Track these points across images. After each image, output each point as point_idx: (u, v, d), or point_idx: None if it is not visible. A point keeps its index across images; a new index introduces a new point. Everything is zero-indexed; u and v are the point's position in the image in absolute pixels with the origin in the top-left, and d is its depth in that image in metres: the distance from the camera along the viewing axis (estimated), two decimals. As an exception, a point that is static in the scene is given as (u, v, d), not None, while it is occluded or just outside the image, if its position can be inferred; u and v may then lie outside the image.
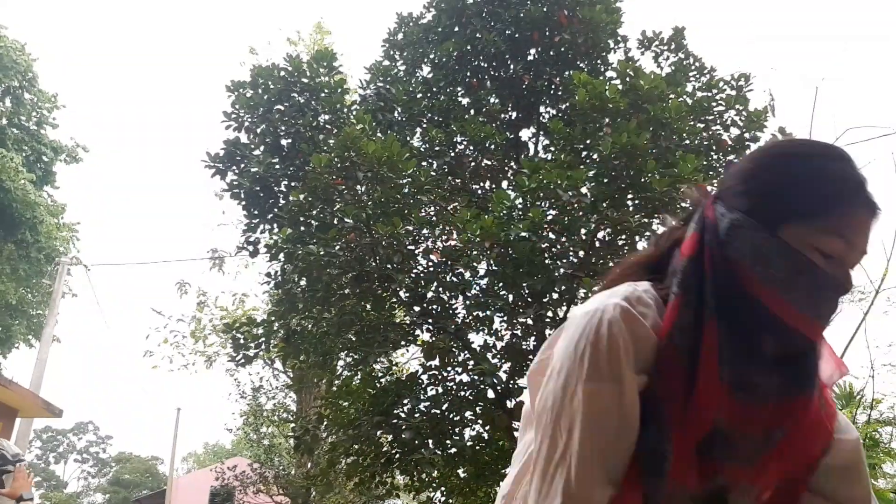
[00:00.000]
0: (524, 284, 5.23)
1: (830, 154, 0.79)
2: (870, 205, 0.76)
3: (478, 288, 5.78)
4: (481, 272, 5.80)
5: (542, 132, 6.81)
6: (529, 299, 5.33)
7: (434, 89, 6.80)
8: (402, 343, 6.08)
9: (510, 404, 5.44)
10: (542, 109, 6.89)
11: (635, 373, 0.71)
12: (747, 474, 0.77)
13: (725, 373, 0.72)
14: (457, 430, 5.79)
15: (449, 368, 5.81)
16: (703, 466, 0.74)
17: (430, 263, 5.84)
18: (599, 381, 0.70)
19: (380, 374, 6.34)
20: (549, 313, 5.46)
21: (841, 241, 0.75)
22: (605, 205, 5.01)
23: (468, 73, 6.77)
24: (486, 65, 6.76)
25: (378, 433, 5.56)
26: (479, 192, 6.44)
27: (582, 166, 5.30)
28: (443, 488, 6.57)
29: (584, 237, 5.30)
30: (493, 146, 6.10)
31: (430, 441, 5.49)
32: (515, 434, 4.52)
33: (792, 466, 0.79)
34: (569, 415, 0.70)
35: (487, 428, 5.90)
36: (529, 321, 5.39)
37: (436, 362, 5.57)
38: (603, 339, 0.71)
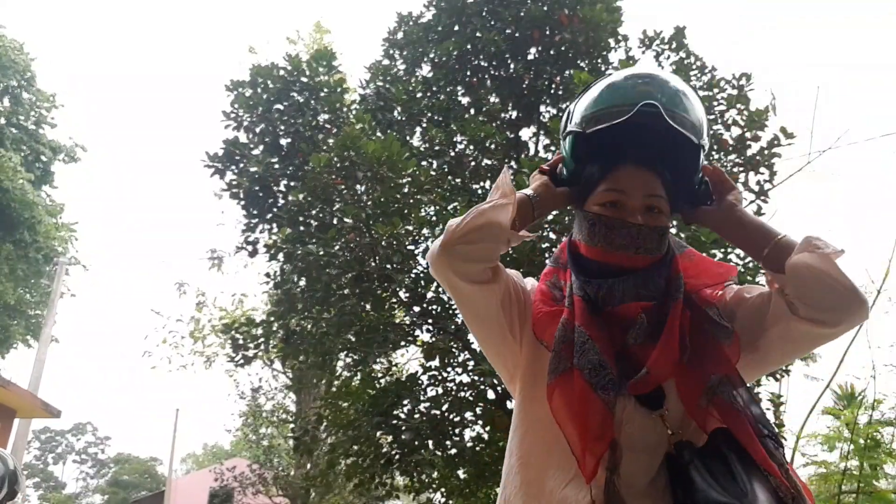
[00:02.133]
0: (525, 284, 5.20)
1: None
2: (635, 159, 1.08)
3: (478, 288, 5.75)
4: (481, 272, 5.76)
5: (542, 132, 6.78)
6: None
7: (434, 88, 6.77)
8: (402, 343, 6.06)
9: (510, 405, 5.41)
10: (542, 109, 6.86)
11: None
12: (647, 354, 1.02)
13: (577, 289, 1.09)
14: (457, 430, 5.76)
15: (449, 369, 5.78)
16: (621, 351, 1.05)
17: (430, 263, 5.81)
18: None
19: (379, 375, 6.31)
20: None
21: (614, 193, 1.08)
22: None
23: (468, 73, 6.74)
24: (486, 64, 6.74)
25: (378, 434, 5.53)
26: (479, 192, 6.41)
27: (583, 166, 5.26)
28: (443, 489, 6.54)
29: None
30: (493, 146, 6.08)
31: (430, 442, 5.46)
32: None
33: (702, 364, 1.03)
34: None
35: (488, 429, 5.88)
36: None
37: (436, 363, 5.55)
38: None
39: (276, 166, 6.13)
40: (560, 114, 6.57)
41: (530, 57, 6.66)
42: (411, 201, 5.47)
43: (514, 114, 6.81)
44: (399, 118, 6.54)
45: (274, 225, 6.24)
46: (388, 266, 5.23)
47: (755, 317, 1.07)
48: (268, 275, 6.15)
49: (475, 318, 1.16)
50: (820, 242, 1.00)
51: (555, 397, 1.01)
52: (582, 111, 1.11)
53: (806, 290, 0.99)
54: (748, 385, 1.02)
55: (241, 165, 6.25)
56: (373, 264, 5.33)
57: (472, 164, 6.30)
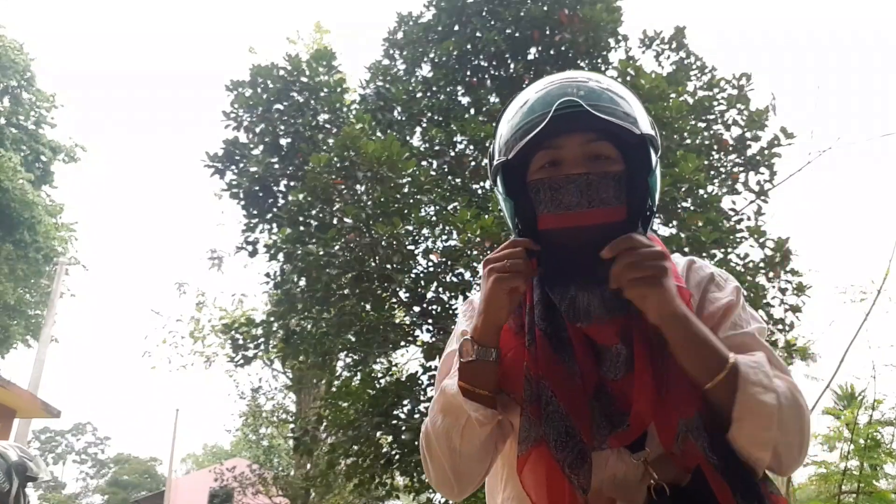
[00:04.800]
0: (525, 284, 5.20)
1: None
2: (560, 118, 0.88)
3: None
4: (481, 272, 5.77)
5: (542, 132, 6.78)
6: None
7: (434, 88, 6.77)
8: (402, 343, 6.06)
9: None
10: (542, 109, 6.86)
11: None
12: (619, 387, 0.90)
13: (539, 317, 0.93)
14: (457, 430, 5.75)
15: (449, 369, 5.76)
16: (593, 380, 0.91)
17: (430, 263, 5.82)
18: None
19: (379, 375, 6.31)
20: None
21: (550, 151, 0.92)
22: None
23: (468, 72, 6.74)
24: (486, 64, 6.74)
25: (378, 434, 5.53)
26: (479, 192, 6.41)
27: (583, 166, 5.26)
28: (443, 489, 6.53)
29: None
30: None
31: (430, 442, 5.45)
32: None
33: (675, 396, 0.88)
34: None
35: (487, 429, 5.88)
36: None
37: (436, 362, 5.54)
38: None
39: (276, 166, 6.13)
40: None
41: (530, 57, 6.66)
42: (411, 201, 5.47)
43: (514, 114, 6.80)
44: (399, 118, 6.54)
45: (274, 225, 6.24)
46: (388, 266, 5.22)
47: None
48: (268, 275, 6.15)
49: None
50: (765, 398, 0.83)
51: (525, 474, 0.90)
52: (501, 142, 0.97)
53: (749, 446, 0.85)
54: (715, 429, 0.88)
55: (241, 165, 6.25)
56: (373, 264, 5.33)
57: (472, 164, 6.30)
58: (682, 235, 5.04)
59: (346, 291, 5.43)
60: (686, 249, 4.96)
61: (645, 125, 0.92)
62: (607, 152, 0.92)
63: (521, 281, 0.90)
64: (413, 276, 5.60)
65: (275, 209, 6.16)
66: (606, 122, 0.87)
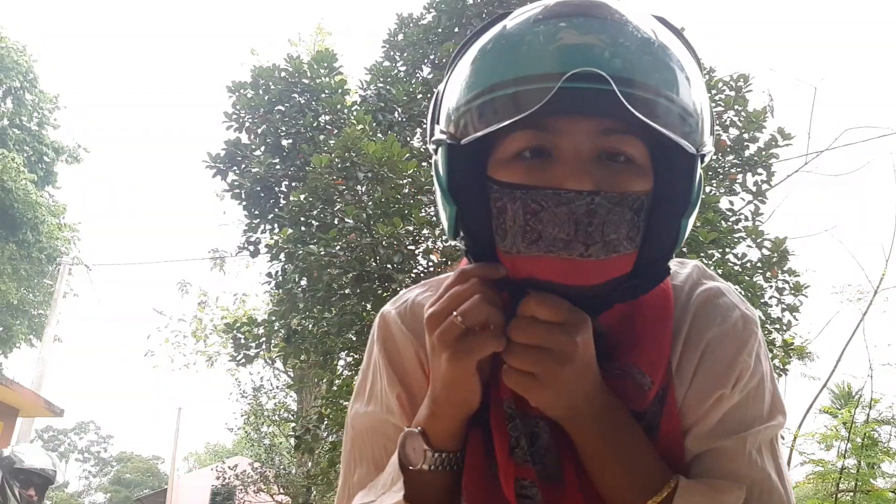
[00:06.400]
0: (524, 284, 5.23)
1: None
2: (570, 108, 0.53)
3: (478, 288, 5.78)
4: (481, 272, 5.80)
5: (541, 132, 6.82)
6: (529, 299, 5.34)
7: (434, 90, 6.82)
8: (403, 343, 6.09)
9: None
10: (541, 110, 6.90)
11: None
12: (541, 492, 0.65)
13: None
14: (457, 429, 5.79)
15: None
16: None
17: (431, 263, 5.86)
18: None
19: (380, 374, 6.35)
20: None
21: (532, 134, 0.55)
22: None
23: (468, 74, 6.79)
24: (486, 65, 6.78)
25: (378, 432, 5.57)
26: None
27: (581, 167, 5.30)
28: (443, 487, 6.57)
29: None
30: (492, 146, 6.12)
31: (431, 440, 5.49)
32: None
33: None
34: None
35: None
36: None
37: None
38: None
39: (278, 167, 6.18)
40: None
41: (530, 58, 6.70)
42: (412, 202, 5.51)
43: (514, 115, 6.84)
44: (399, 119, 6.58)
45: (275, 225, 6.29)
46: (389, 266, 5.27)
47: None
48: (269, 274, 6.20)
49: None
50: None
51: None
52: (456, 97, 0.58)
53: None
54: None
55: (243, 166, 6.30)
56: (373, 264, 5.37)
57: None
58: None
59: (347, 291, 5.48)
60: (684, 249, 5.00)
61: (707, 130, 0.58)
62: (632, 152, 0.56)
63: (497, 341, 0.56)
64: (414, 275, 5.65)
65: (276, 209, 6.21)
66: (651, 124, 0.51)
